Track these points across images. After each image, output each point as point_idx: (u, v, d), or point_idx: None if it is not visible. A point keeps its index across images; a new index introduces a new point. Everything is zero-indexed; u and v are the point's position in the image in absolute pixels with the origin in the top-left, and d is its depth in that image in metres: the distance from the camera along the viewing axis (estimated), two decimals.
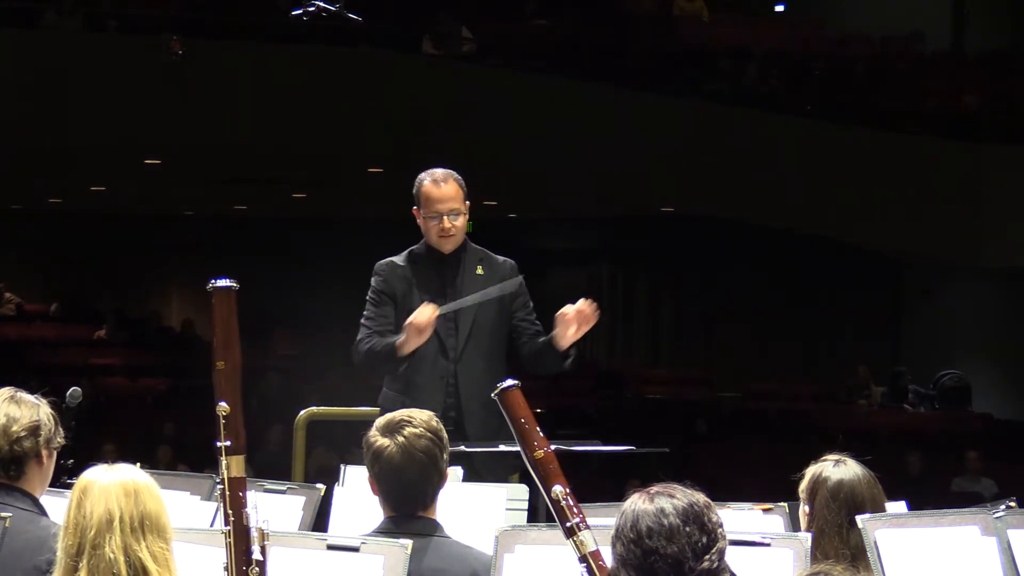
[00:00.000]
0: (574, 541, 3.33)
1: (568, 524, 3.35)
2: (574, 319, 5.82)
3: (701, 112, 16.53)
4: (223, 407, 3.48)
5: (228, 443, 3.48)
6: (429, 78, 16.74)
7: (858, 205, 15.85)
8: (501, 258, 6.12)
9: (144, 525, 3.59)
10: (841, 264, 19.58)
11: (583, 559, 3.32)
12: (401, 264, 6.06)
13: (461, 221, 6.00)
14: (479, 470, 5.61)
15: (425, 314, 5.76)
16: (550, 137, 16.29)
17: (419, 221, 6.05)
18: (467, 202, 6.03)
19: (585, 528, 3.34)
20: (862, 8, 19.71)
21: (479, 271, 6.04)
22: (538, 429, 3.51)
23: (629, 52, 17.53)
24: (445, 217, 5.95)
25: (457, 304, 5.90)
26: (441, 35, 16.89)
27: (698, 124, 16.41)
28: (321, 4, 12.41)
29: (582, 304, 5.86)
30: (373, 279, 6.08)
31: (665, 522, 3.06)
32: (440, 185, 5.99)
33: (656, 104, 16.62)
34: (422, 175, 6.06)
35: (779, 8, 21.51)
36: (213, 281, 3.54)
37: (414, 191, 6.05)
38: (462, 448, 5.39)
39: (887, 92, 16.91)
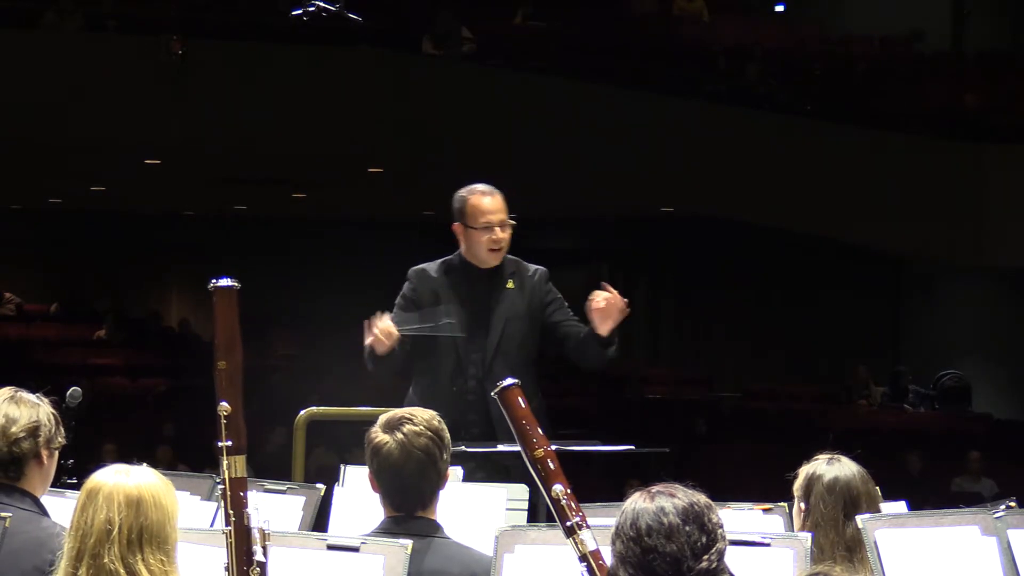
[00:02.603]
0: (574, 540, 3.33)
1: (568, 523, 3.34)
2: (604, 313, 5.83)
3: (701, 112, 16.52)
4: (224, 407, 3.47)
5: (229, 443, 3.47)
6: (429, 78, 16.74)
7: (858, 205, 15.84)
8: (532, 267, 6.12)
9: (143, 539, 3.58)
10: (841, 264, 19.57)
11: (583, 558, 3.31)
12: (434, 275, 6.07)
13: (508, 233, 6.01)
14: (508, 469, 5.58)
15: (384, 322, 5.82)
16: (550, 137, 16.29)
17: (461, 236, 6.04)
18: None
19: (585, 527, 3.34)
20: (862, 8, 19.70)
21: (510, 285, 6.05)
22: (539, 428, 3.51)
23: (629, 52, 17.52)
24: (497, 228, 5.97)
25: (414, 329, 5.90)
26: (441, 35, 16.89)
27: (698, 124, 16.40)
28: (321, 4, 12.42)
29: (607, 296, 5.86)
30: (405, 284, 6.10)
31: (665, 521, 3.06)
32: (488, 197, 6.03)
33: (656, 104, 16.62)
34: (463, 191, 6.07)
35: (779, 8, 21.50)
36: (214, 280, 3.52)
37: (456, 207, 6.04)
38: (462, 448, 5.38)
39: (887, 92, 16.89)
